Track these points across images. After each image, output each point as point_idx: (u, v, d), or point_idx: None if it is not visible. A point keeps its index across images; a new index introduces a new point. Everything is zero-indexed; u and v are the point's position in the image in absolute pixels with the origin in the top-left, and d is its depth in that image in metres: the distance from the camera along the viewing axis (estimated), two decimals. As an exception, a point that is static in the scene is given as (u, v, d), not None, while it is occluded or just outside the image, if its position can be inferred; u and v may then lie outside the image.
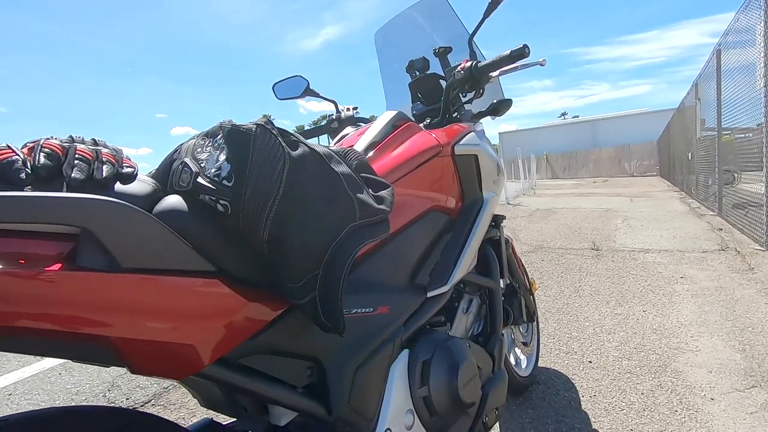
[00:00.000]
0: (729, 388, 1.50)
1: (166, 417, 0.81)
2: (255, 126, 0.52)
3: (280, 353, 0.62)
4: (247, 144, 0.52)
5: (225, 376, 0.55)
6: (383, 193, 0.67)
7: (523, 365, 1.58)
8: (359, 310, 0.72)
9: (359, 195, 0.61)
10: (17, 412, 0.47)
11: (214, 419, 0.68)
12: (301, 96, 1.38)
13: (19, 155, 0.43)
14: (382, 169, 0.84)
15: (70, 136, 0.50)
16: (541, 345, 1.81)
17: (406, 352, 0.82)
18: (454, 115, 1.23)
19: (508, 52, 1.02)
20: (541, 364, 1.75)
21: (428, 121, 1.26)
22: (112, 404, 1.66)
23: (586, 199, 9.05)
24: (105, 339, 0.44)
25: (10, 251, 0.40)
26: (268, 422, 0.68)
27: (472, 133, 1.10)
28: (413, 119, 1.14)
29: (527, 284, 1.55)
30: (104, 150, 0.50)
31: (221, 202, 0.51)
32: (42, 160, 0.44)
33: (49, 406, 0.55)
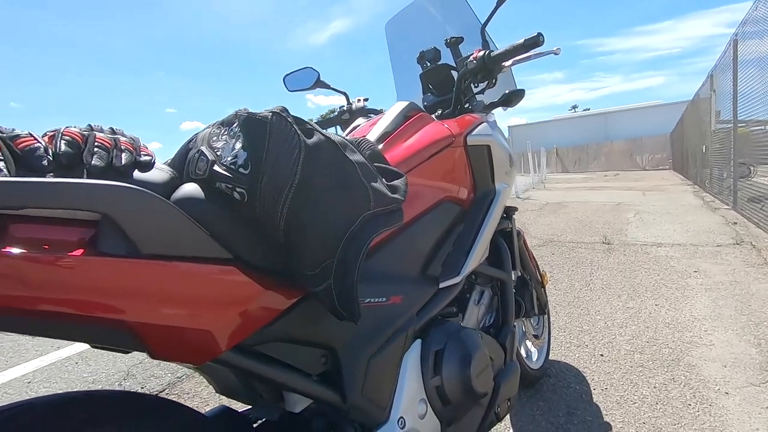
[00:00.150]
0: (744, 383, 1.48)
1: (182, 404, 0.82)
2: (271, 114, 0.52)
3: (295, 341, 0.62)
4: (263, 132, 0.52)
5: (241, 362, 0.56)
6: (397, 182, 0.67)
7: (534, 358, 1.58)
8: (372, 300, 0.73)
9: (373, 184, 0.61)
10: (39, 395, 0.48)
11: (229, 407, 0.69)
12: (312, 87, 1.38)
13: (40, 143, 0.44)
14: (395, 160, 0.83)
15: (89, 125, 0.51)
16: (551, 338, 1.80)
17: (418, 342, 0.82)
18: (465, 106, 1.22)
19: (522, 40, 1.00)
20: (551, 357, 1.74)
21: (439, 112, 1.26)
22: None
23: (597, 192, 8.95)
24: (125, 324, 0.45)
25: (34, 237, 0.41)
26: (283, 409, 0.69)
27: (485, 123, 1.09)
28: (425, 110, 1.14)
29: (538, 277, 1.54)
30: (122, 138, 0.51)
31: (238, 189, 0.51)
32: (63, 147, 0.45)
33: (70, 390, 0.56)
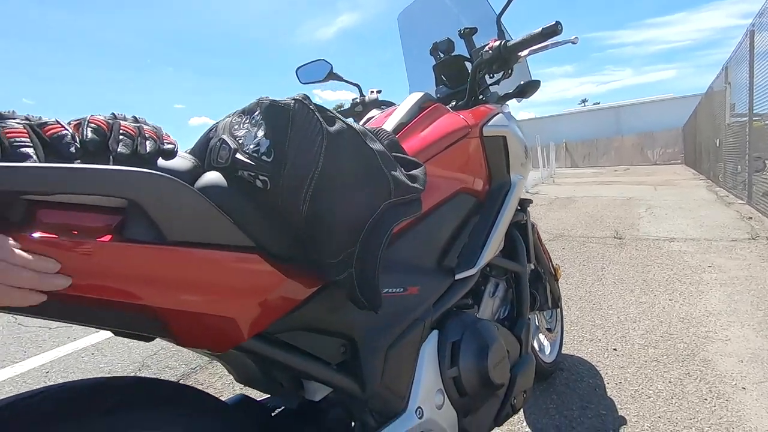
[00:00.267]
0: (761, 378, 1.46)
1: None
2: (293, 101, 0.52)
3: (315, 330, 0.62)
4: (285, 119, 0.52)
5: (264, 350, 0.56)
6: (416, 171, 0.67)
7: (547, 351, 1.57)
8: (390, 290, 0.73)
9: (394, 173, 0.60)
10: (64, 381, 0.49)
11: (247, 395, 0.69)
12: (325, 80, 1.37)
13: (68, 130, 0.44)
14: (411, 150, 0.83)
15: (113, 114, 0.51)
16: (564, 332, 1.79)
17: (435, 333, 0.82)
18: (479, 98, 1.21)
19: (540, 29, 0.99)
20: (564, 351, 1.73)
21: (453, 104, 1.24)
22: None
23: (607, 187, 8.85)
24: (152, 310, 0.45)
25: (63, 222, 0.41)
26: (302, 398, 0.69)
27: (501, 114, 1.08)
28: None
29: (552, 270, 1.53)
30: (146, 126, 0.51)
31: (260, 177, 0.51)
32: (90, 134, 0.45)
33: (95, 376, 0.57)
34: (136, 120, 0.52)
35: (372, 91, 1.39)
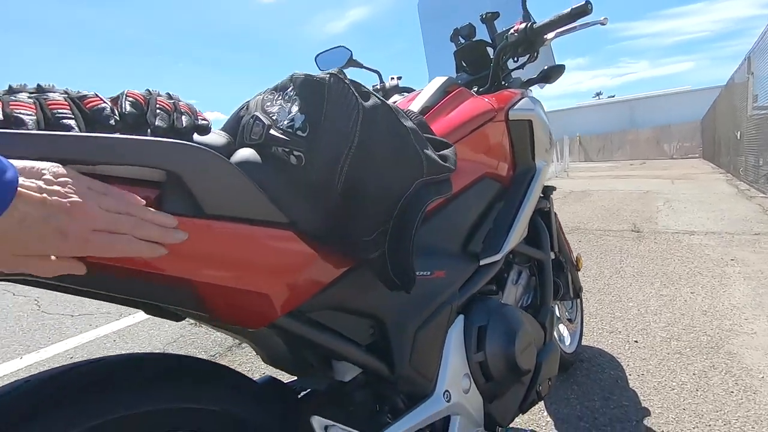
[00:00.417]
0: (790, 371, 1.43)
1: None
2: (329, 75, 0.52)
3: (345, 310, 0.62)
4: (321, 94, 0.51)
5: (296, 328, 0.56)
6: (446, 151, 0.66)
7: (567, 342, 1.55)
8: (418, 273, 0.72)
9: (426, 151, 0.60)
10: (108, 355, 0.50)
11: (275, 377, 0.70)
12: (345, 67, 1.36)
13: (107, 103, 0.44)
14: (437, 133, 0.82)
15: (147, 90, 0.51)
16: (583, 323, 1.77)
17: (461, 317, 0.81)
18: (502, 84, 1.19)
19: (569, 10, 0.96)
20: (583, 342, 1.71)
21: (475, 89, 1.22)
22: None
23: (623, 181, 8.70)
24: (189, 283, 0.45)
25: (105, 194, 0.41)
26: (332, 378, 0.69)
27: (526, 98, 1.06)
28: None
29: (573, 260, 1.51)
30: (180, 102, 0.51)
31: (295, 153, 0.50)
32: (128, 108, 0.45)
33: (127, 352, 0.57)
34: (170, 96, 0.52)
35: (392, 78, 1.38)
